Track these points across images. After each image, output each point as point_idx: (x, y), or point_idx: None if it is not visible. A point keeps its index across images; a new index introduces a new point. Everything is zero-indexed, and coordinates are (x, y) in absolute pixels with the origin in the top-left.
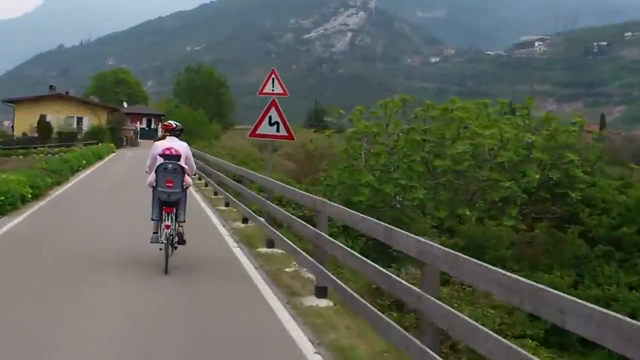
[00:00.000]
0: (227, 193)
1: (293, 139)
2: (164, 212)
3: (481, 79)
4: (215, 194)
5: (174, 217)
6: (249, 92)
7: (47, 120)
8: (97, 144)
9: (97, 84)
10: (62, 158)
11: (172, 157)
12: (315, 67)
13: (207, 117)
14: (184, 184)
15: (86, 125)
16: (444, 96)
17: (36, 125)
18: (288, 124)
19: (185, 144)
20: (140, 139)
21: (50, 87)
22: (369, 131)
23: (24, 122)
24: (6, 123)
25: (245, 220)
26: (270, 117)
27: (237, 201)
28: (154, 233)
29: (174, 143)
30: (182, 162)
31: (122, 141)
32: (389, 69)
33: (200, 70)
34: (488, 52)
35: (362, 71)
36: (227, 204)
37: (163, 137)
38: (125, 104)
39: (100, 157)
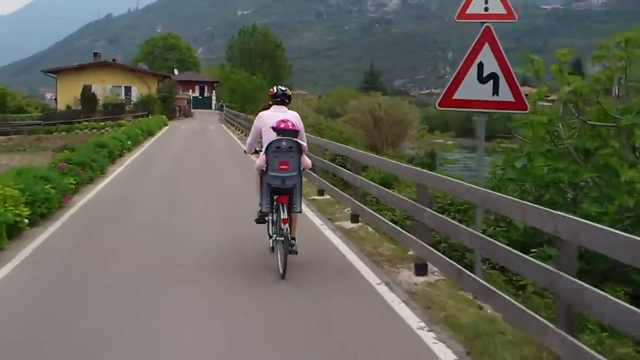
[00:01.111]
0: (323, 180)
1: (526, 109)
2: (276, 202)
3: (537, 35)
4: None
5: (287, 208)
6: (300, 57)
7: (92, 91)
8: (148, 115)
9: (146, 50)
10: (97, 141)
11: (287, 132)
12: (367, 28)
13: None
14: (301, 165)
15: (135, 95)
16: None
17: (80, 97)
18: (515, 79)
19: (296, 113)
20: (193, 108)
21: (95, 54)
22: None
23: (67, 94)
24: (48, 96)
25: (355, 219)
26: (480, 66)
27: (344, 194)
28: (260, 213)
29: (286, 114)
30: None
31: (174, 111)
32: (443, 27)
33: (255, 32)
34: (544, 7)
35: (416, 30)
36: (320, 192)
37: (267, 107)
38: (176, 71)
39: (150, 133)
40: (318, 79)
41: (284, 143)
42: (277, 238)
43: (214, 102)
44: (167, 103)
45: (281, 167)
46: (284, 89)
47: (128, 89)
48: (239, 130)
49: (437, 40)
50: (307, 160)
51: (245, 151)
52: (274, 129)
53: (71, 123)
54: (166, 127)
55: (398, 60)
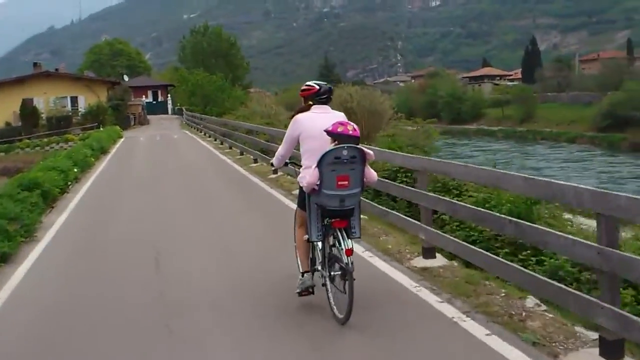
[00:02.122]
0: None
1: None
2: (332, 228)
3: (483, 18)
4: None
5: (345, 235)
6: (250, 56)
7: (34, 104)
8: (98, 127)
9: (92, 58)
10: (25, 178)
11: (348, 138)
12: (316, 23)
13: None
14: (365, 179)
15: (83, 105)
16: (449, 40)
17: (19, 112)
18: None
19: (342, 114)
20: (147, 114)
21: (35, 64)
22: None
23: (5, 110)
24: None
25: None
26: None
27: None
28: (302, 275)
29: (335, 115)
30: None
31: (128, 120)
32: (390, 18)
33: (207, 32)
34: None
35: (364, 22)
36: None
37: (305, 108)
38: (126, 77)
39: (103, 151)
40: (270, 77)
41: (345, 152)
42: (333, 273)
43: (169, 106)
44: (120, 111)
45: (340, 183)
46: (323, 84)
47: (74, 100)
48: (208, 136)
49: (385, 30)
50: (372, 174)
51: (272, 164)
52: (329, 133)
53: (10, 142)
54: (121, 140)
55: (349, 52)
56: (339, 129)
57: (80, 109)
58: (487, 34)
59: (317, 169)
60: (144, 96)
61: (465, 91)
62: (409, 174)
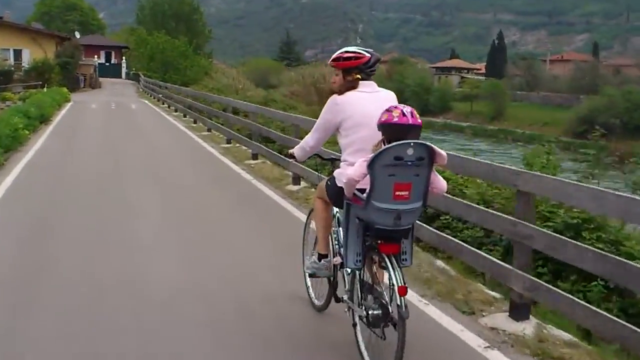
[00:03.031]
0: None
1: None
2: (381, 253)
3: (445, 8)
4: None
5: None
6: (209, 25)
7: None
8: (43, 86)
9: (42, 10)
10: None
11: (408, 129)
12: None
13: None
14: (431, 188)
15: (27, 60)
16: (410, 27)
17: None
18: None
19: (392, 93)
20: (99, 77)
21: None
22: None
23: None
24: None
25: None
26: None
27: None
28: (318, 258)
29: (385, 95)
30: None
31: (78, 82)
32: None
33: None
34: None
35: (326, 1)
36: None
37: (351, 85)
38: (77, 34)
39: (45, 119)
40: (227, 49)
41: (410, 151)
42: (372, 312)
43: (124, 70)
44: (69, 71)
45: (398, 193)
46: (371, 52)
47: (18, 53)
48: (173, 109)
49: (347, 12)
50: (441, 182)
51: (294, 156)
52: (385, 125)
53: None
54: (68, 105)
55: (308, 31)
56: (395, 117)
57: (23, 65)
58: (448, 24)
59: (367, 168)
60: (96, 56)
61: (432, 82)
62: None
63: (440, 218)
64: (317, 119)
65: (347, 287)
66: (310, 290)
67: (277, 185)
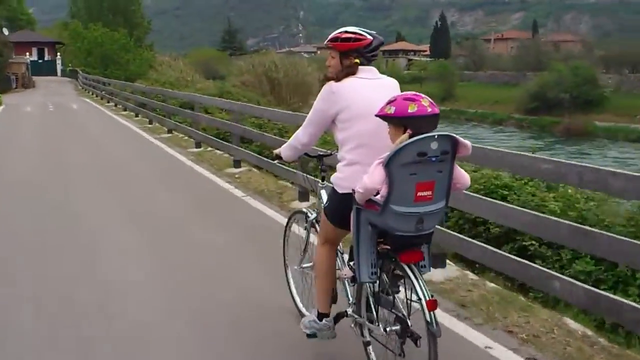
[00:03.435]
0: None
1: None
2: (400, 263)
3: None
4: None
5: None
6: (146, 16)
7: None
8: None
9: None
10: None
11: (427, 121)
12: None
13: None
14: (455, 184)
15: None
16: (350, 12)
17: None
18: None
19: (396, 82)
20: (32, 75)
21: None
22: None
23: None
24: None
25: None
26: None
27: None
28: (318, 317)
29: (385, 82)
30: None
31: (9, 82)
32: None
33: None
34: None
35: None
36: None
37: (349, 71)
38: (5, 31)
39: None
40: (166, 41)
41: (434, 145)
42: (392, 328)
43: (59, 67)
44: None
45: (421, 194)
46: (372, 33)
47: None
48: (122, 108)
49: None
50: (464, 176)
51: (279, 157)
52: (397, 117)
53: None
54: (0, 109)
55: (249, 19)
56: (411, 108)
57: None
58: (388, 8)
59: (384, 169)
60: (27, 54)
61: (380, 65)
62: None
63: (517, 239)
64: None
65: (351, 299)
66: (299, 304)
67: (280, 204)
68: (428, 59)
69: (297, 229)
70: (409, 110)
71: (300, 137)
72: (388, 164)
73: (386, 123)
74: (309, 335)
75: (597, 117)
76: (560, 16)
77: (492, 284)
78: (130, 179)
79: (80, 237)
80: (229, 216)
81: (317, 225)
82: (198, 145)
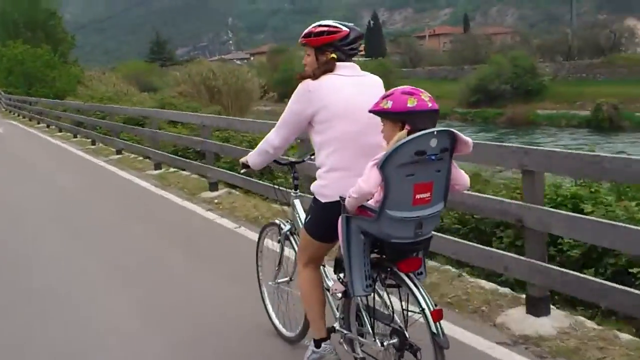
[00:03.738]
0: None
1: None
2: (398, 272)
3: None
4: None
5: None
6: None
7: None
8: None
9: None
10: None
11: (427, 116)
12: None
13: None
14: (455, 185)
15: None
16: (279, 17)
17: None
18: None
19: (380, 80)
20: None
21: None
22: None
23: None
24: None
25: None
26: None
27: None
28: (315, 345)
29: (367, 79)
30: None
31: None
32: None
33: None
34: None
35: None
36: None
37: (326, 68)
38: None
39: None
40: (89, 56)
41: (434, 142)
42: (390, 341)
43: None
44: None
45: (419, 196)
46: (351, 26)
47: None
48: (55, 129)
49: (214, 7)
50: (463, 176)
51: (247, 165)
52: (395, 113)
53: None
54: None
55: (177, 28)
56: (410, 102)
57: None
58: (316, 10)
59: (379, 170)
60: None
61: None
62: None
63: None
64: None
65: (338, 314)
66: (275, 320)
67: None
68: (365, 59)
69: (271, 243)
70: (408, 105)
71: (271, 140)
72: (383, 165)
73: (376, 122)
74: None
75: (537, 106)
76: (486, 10)
77: (627, 335)
78: (91, 216)
79: (55, 307)
80: (231, 259)
81: (291, 238)
82: (157, 166)
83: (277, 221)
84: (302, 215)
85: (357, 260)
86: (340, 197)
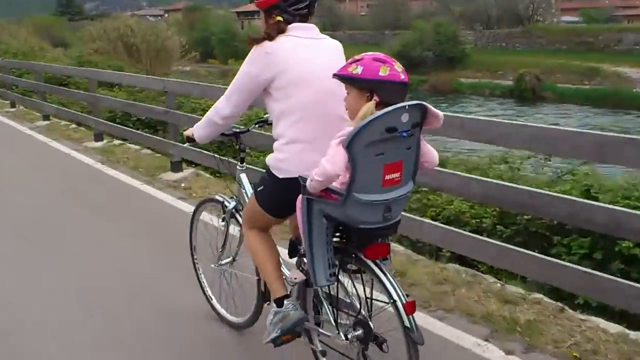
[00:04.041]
0: None
1: None
2: (364, 259)
3: None
4: None
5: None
6: None
7: None
8: None
9: None
10: None
11: (398, 87)
12: None
13: None
14: (424, 162)
15: None
16: None
17: None
18: None
19: (339, 44)
20: None
21: None
22: None
23: None
24: None
25: None
26: None
27: None
28: (277, 303)
29: (326, 43)
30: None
31: None
32: None
33: None
34: None
35: None
36: None
37: (277, 28)
38: None
39: None
40: None
41: (405, 117)
42: (354, 333)
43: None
44: None
45: (389, 177)
46: None
47: None
48: None
49: None
50: (432, 152)
51: (192, 139)
52: (357, 79)
53: None
54: None
55: None
56: (382, 71)
57: None
58: None
59: (345, 150)
60: None
61: (238, 28)
62: None
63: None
64: None
65: (293, 299)
66: (217, 306)
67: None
68: None
69: (210, 219)
70: (380, 73)
71: (221, 109)
72: (350, 144)
73: (335, 90)
74: (275, 341)
75: (460, 74)
76: None
77: None
78: (33, 205)
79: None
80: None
81: (237, 216)
82: (98, 137)
83: (218, 197)
84: (250, 191)
85: (319, 247)
86: (300, 177)
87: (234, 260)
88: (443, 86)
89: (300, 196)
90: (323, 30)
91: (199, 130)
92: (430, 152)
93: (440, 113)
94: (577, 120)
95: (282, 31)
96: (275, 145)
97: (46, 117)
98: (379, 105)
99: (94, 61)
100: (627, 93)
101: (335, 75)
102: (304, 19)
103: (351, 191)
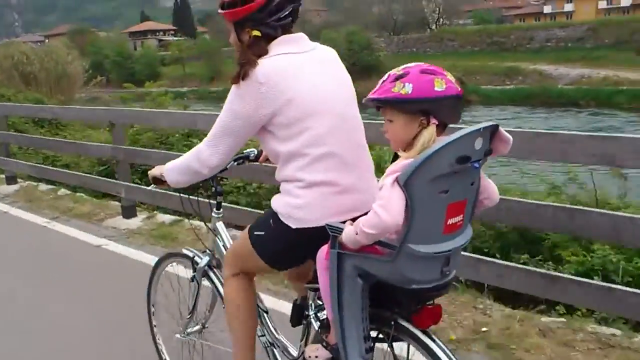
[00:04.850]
0: None
1: None
2: (413, 330)
3: None
4: None
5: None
6: None
7: None
8: None
9: None
10: None
11: (455, 102)
12: None
13: None
14: (484, 199)
15: None
16: None
17: None
18: None
19: (334, 51)
20: None
21: None
22: None
23: None
24: None
25: None
26: None
27: None
28: None
29: (326, 55)
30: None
31: None
32: None
33: None
34: None
35: None
36: None
37: (256, 51)
38: None
39: None
40: None
41: (478, 143)
42: None
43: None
44: None
45: (451, 221)
46: None
47: None
48: None
49: None
50: (492, 186)
51: (162, 180)
52: (419, 100)
53: None
54: None
55: None
56: (438, 85)
57: None
58: None
59: (401, 190)
60: None
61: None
62: None
63: None
64: None
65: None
66: None
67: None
68: (177, 38)
69: (177, 277)
70: (436, 89)
71: (207, 159)
72: (408, 181)
73: (351, 110)
74: None
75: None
76: None
77: None
78: None
79: None
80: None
81: (210, 273)
82: (11, 180)
83: (187, 251)
84: (228, 243)
85: (352, 315)
86: (328, 225)
87: (203, 328)
88: (364, 96)
89: (324, 250)
90: (224, 46)
91: (174, 174)
92: (490, 186)
93: (510, 138)
94: (512, 121)
95: (264, 51)
96: (287, 187)
97: None
98: (439, 129)
99: (5, 94)
100: (554, 90)
101: (375, 100)
102: (287, 29)
103: (406, 242)
